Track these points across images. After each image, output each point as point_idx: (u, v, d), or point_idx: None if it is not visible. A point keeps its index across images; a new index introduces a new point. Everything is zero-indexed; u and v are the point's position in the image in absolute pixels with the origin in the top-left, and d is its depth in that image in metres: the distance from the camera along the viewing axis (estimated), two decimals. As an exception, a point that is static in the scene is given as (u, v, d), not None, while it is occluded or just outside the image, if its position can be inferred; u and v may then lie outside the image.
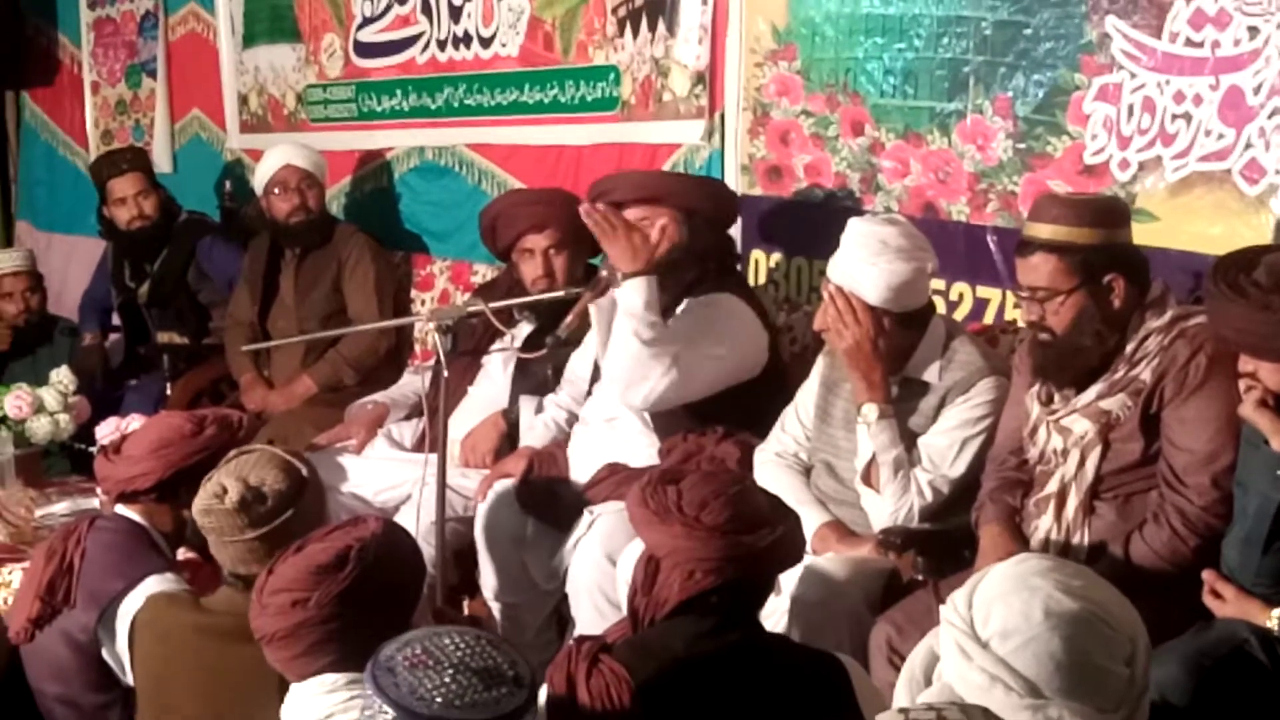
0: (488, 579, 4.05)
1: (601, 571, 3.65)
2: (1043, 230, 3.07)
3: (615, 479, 3.83)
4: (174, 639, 2.93)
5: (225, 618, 2.84)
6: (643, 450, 3.92)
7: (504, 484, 4.05)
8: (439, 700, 2.06)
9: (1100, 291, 3.04)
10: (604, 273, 4.05)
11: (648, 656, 2.46)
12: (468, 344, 4.54)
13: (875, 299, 3.40)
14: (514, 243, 4.52)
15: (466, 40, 5.44)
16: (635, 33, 4.78)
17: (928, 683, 2.07)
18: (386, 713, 2.06)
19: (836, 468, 3.58)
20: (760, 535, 2.53)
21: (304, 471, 3.02)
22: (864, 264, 3.41)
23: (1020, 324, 3.63)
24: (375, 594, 2.55)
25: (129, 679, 3.24)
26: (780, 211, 4.40)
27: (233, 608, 2.83)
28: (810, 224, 4.25)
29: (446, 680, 2.08)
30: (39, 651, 3.30)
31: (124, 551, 3.32)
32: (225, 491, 2.89)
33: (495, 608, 4.06)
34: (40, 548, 3.45)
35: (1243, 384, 2.73)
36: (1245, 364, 2.72)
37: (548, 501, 3.96)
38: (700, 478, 2.67)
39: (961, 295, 3.95)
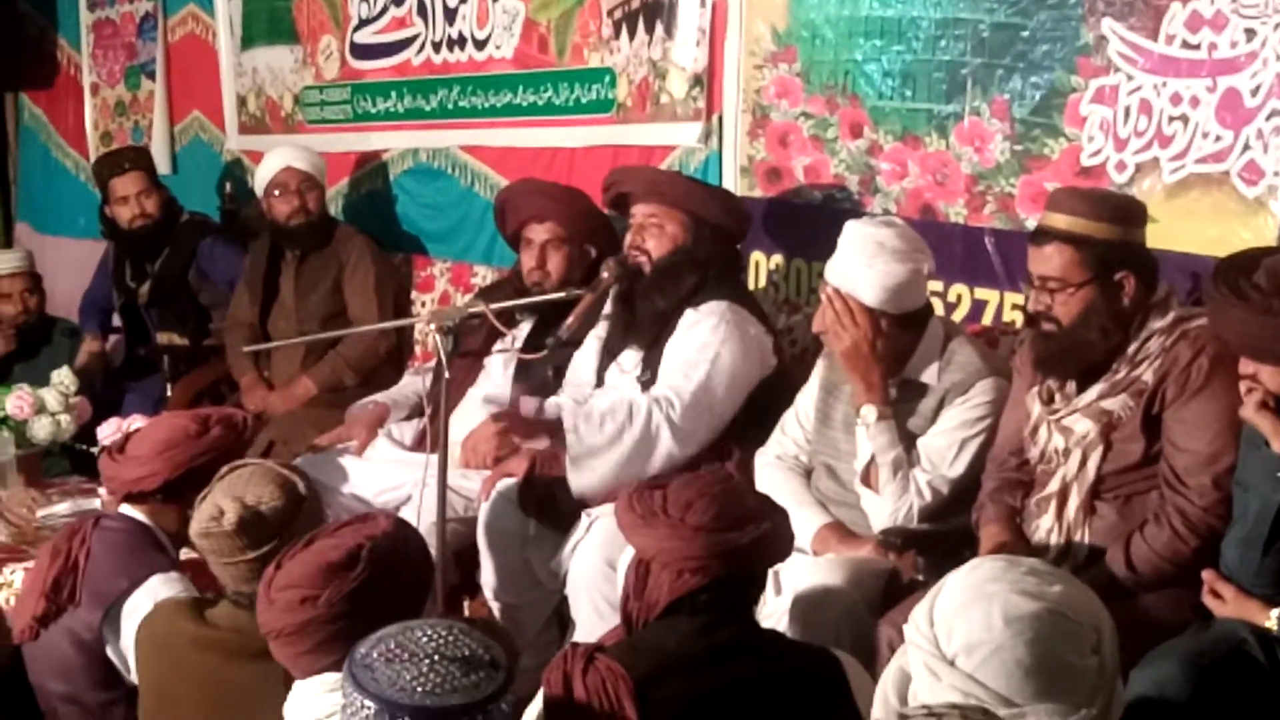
0: (488, 579, 4.05)
1: (601, 575, 3.67)
2: (1059, 220, 3.08)
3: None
4: (174, 651, 2.90)
5: (227, 634, 2.81)
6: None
7: (506, 484, 4.05)
8: (420, 690, 2.07)
9: (1111, 288, 3.05)
10: (604, 274, 4.07)
11: (641, 656, 2.47)
12: (469, 345, 4.55)
13: (872, 300, 3.42)
14: (519, 230, 4.56)
15: (461, 42, 5.44)
16: (632, 35, 4.79)
17: (902, 703, 2.06)
18: (368, 708, 2.07)
19: (837, 470, 3.59)
20: (746, 531, 2.54)
21: (300, 486, 2.99)
22: (861, 266, 3.42)
23: (1019, 325, 3.65)
24: (384, 593, 2.54)
25: (133, 677, 3.24)
26: (780, 213, 4.40)
27: (235, 624, 2.82)
28: (809, 226, 4.25)
29: (425, 670, 2.09)
30: (43, 649, 3.32)
31: (128, 551, 3.33)
32: (222, 513, 2.85)
33: (495, 608, 4.07)
34: (45, 546, 3.47)
35: (1243, 386, 2.73)
36: (1246, 366, 2.73)
37: (548, 503, 3.96)
38: (685, 480, 2.68)
39: (960, 297, 3.96)
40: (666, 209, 4.02)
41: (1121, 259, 3.05)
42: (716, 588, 2.54)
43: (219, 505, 2.87)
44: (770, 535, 2.60)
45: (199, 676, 2.84)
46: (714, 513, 2.54)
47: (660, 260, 3.99)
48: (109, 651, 3.28)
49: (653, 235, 4.02)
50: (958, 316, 3.93)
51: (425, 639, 2.14)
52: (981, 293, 3.93)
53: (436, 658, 2.11)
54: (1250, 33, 3.31)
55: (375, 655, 2.13)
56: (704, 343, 3.87)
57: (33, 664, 3.35)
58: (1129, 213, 3.12)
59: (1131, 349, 3.05)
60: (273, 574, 2.60)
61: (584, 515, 3.85)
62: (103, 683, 3.30)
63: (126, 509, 3.43)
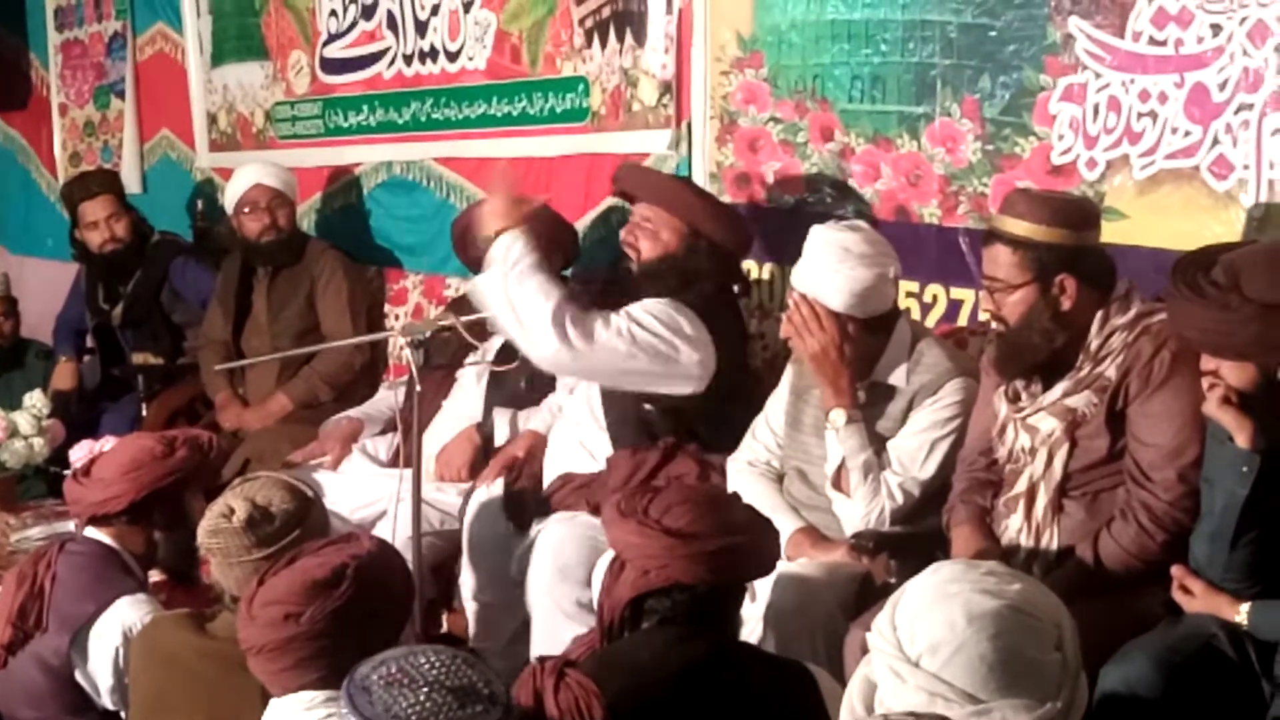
0: (468, 579, 4.04)
1: (555, 579, 3.64)
2: (1005, 223, 3.09)
3: (569, 488, 3.88)
4: (177, 661, 2.92)
5: (229, 644, 2.79)
6: (601, 453, 3.94)
7: (493, 487, 4.08)
8: (413, 717, 2.07)
9: (1050, 290, 3.04)
10: (574, 284, 4.05)
11: (614, 671, 2.46)
12: (441, 358, 4.55)
13: (839, 305, 3.41)
14: (486, 251, 4.51)
15: (433, 54, 5.43)
16: (604, 43, 4.78)
17: (868, 712, 2.07)
18: None
19: (809, 474, 3.58)
20: (714, 540, 2.55)
21: (309, 493, 3.05)
22: (827, 271, 3.42)
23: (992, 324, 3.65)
24: (367, 613, 2.57)
25: (104, 701, 3.27)
26: (751, 219, 4.38)
27: (236, 633, 2.78)
28: (781, 230, 4.24)
29: (421, 698, 2.10)
30: (12, 677, 3.31)
31: (95, 574, 3.33)
32: (232, 512, 2.90)
33: (472, 608, 4.05)
34: (11, 573, 3.46)
35: (1205, 382, 2.72)
36: (1207, 363, 2.72)
37: (518, 508, 3.98)
38: (676, 488, 2.72)
39: (935, 297, 3.96)
40: (665, 215, 3.98)
41: (1060, 262, 3.03)
42: (690, 598, 2.54)
43: (229, 505, 2.93)
44: (746, 548, 2.61)
45: (200, 687, 2.86)
46: (689, 519, 2.56)
47: (645, 265, 3.96)
48: (78, 676, 3.27)
49: (646, 236, 3.99)
50: (934, 316, 3.93)
51: (427, 665, 2.14)
52: (957, 292, 3.92)
53: (436, 685, 2.11)
54: (1216, 28, 3.30)
55: (375, 678, 2.13)
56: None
57: (2, 692, 3.34)
58: (1075, 216, 3.09)
59: (1094, 346, 3.04)
60: (255, 590, 2.62)
61: (535, 522, 3.86)
62: (74, 707, 3.30)
63: (92, 532, 3.42)
